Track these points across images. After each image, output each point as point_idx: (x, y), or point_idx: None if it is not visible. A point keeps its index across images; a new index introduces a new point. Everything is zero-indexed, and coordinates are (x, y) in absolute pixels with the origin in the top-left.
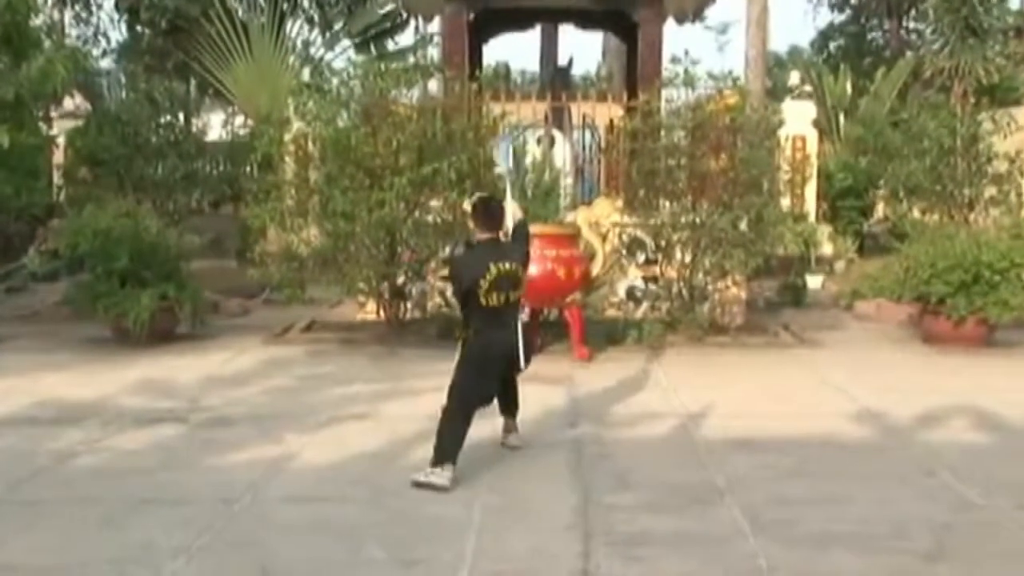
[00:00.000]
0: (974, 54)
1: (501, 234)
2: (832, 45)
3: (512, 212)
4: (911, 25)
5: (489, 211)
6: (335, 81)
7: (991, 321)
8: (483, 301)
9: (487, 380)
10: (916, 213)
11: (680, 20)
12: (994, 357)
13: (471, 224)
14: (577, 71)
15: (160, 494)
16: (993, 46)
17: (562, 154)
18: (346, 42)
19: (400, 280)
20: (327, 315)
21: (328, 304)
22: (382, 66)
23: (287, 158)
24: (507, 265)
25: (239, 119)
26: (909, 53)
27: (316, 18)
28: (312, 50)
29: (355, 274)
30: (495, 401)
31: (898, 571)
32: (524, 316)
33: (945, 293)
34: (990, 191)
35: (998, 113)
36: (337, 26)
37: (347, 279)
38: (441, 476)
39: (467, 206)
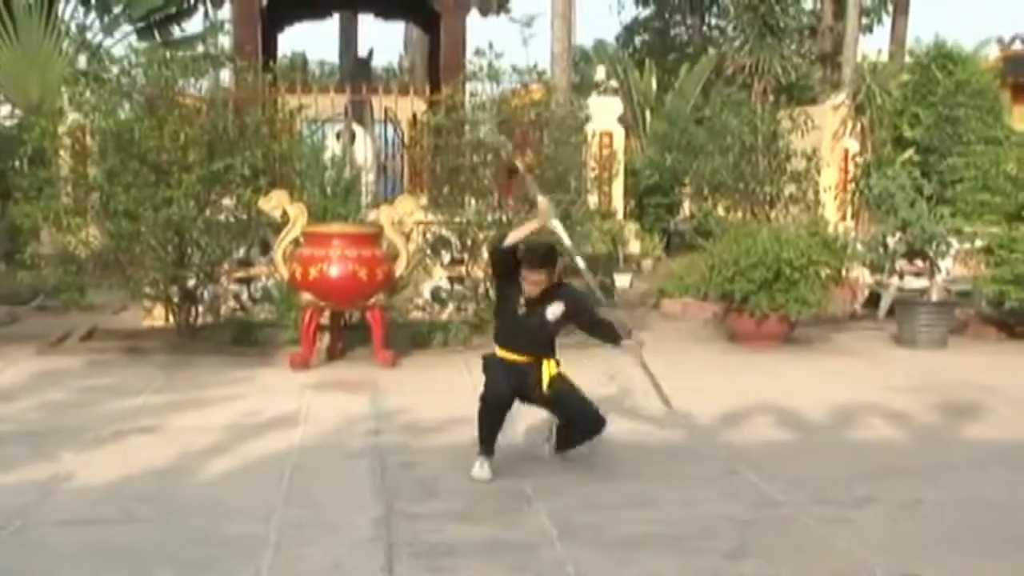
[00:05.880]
0: (772, 52)
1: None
2: (637, 40)
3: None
4: (713, 22)
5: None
6: (115, 69)
7: (792, 318)
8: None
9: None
10: (720, 210)
11: (484, 11)
12: (794, 354)
13: None
14: (378, 63)
15: None
16: (790, 45)
17: (363, 149)
18: (127, 27)
19: (191, 283)
20: (109, 322)
21: (111, 310)
22: (167, 54)
23: (62, 152)
24: None
25: (4, 109)
26: (712, 50)
27: (92, 0)
28: (89, 35)
29: (141, 277)
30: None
31: (704, 571)
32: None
33: (748, 291)
34: (790, 188)
35: (796, 111)
36: (116, 10)
37: (132, 283)
38: None
39: None
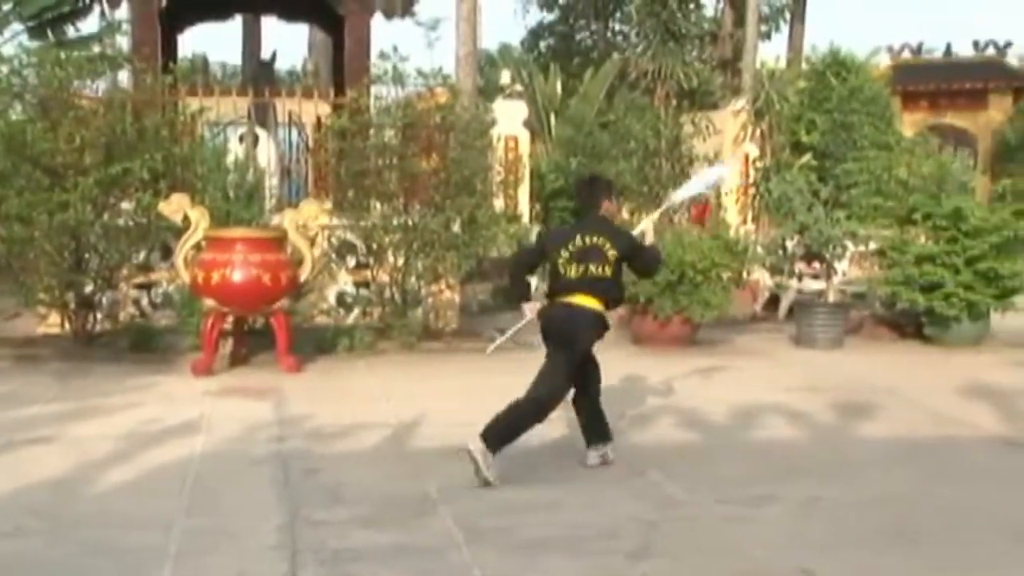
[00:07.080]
0: (674, 58)
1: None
2: (542, 44)
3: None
4: (617, 27)
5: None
6: (5, 69)
7: (695, 320)
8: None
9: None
10: (625, 214)
11: (388, 15)
12: (698, 356)
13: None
14: (282, 65)
15: None
16: (692, 51)
17: (266, 153)
18: (17, 26)
19: (88, 289)
20: (1, 329)
21: (2, 317)
22: (61, 54)
23: None
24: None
25: None
26: (615, 55)
27: None
28: None
29: (35, 283)
30: None
31: (606, 572)
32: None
33: (652, 294)
34: None
35: (697, 116)
36: (6, 7)
37: (25, 289)
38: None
39: None
